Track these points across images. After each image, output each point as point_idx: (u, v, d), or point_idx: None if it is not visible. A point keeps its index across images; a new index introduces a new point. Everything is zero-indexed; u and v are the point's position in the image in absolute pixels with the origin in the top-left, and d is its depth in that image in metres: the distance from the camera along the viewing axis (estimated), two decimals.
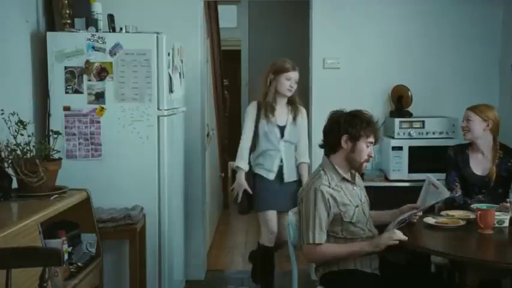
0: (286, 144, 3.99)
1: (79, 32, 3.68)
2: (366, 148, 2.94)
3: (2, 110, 3.09)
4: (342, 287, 2.92)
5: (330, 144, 2.99)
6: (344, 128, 2.93)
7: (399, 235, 2.80)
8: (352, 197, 2.97)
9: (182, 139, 4.29)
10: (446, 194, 2.91)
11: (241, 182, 3.97)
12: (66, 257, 3.05)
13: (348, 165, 2.99)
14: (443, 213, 3.22)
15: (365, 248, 2.88)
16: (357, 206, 2.96)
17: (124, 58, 3.64)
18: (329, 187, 2.91)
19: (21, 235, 2.52)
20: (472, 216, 3.13)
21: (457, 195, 3.53)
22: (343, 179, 2.97)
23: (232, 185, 4.09)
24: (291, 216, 3.16)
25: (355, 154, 2.94)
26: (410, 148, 4.23)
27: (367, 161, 2.98)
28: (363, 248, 2.89)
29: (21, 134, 3.12)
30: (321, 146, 3.06)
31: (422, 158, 4.22)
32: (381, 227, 3.06)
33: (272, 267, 4.14)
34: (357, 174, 3.11)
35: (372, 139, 2.95)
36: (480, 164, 3.57)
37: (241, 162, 3.98)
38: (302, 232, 2.93)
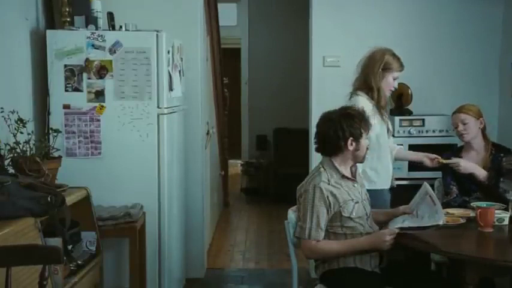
0: None
1: (79, 30, 3.66)
2: (366, 141, 3.00)
3: (2, 108, 3.08)
4: (341, 284, 2.91)
5: (333, 148, 2.99)
6: (348, 132, 2.93)
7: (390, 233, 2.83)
8: (353, 194, 2.97)
9: (182, 137, 4.28)
10: (440, 220, 2.84)
11: None
12: None
13: (351, 162, 3.01)
14: (443, 211, 3.20)
15: (365, 246, 2.89)
16: (357, 202, 2.96)
17: (124, 56, 3.63)
18: (328, 184, 2.92)
19: (21, 233, 2.51)
20: (472, 214, 3.12)
21: (452, 198, 3.53)
22: (343, 176, 2.98)
23: None
24: (291, 214, 3.14)
25: (360, 151, 2.98)
26: (410, 146, 4.21)
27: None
28: (363, 246, 2.89)
29: (21, 132, 3.12)
30: (319, 151, 3.05)
31: None
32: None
33: None
34: (358, 172, 3.11)
35: (367, 131, 3.02)
36: (473, 161, 3.56)
37: None
38: (300, 227, 2.94)
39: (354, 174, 3.05)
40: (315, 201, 2.89)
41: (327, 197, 2.89)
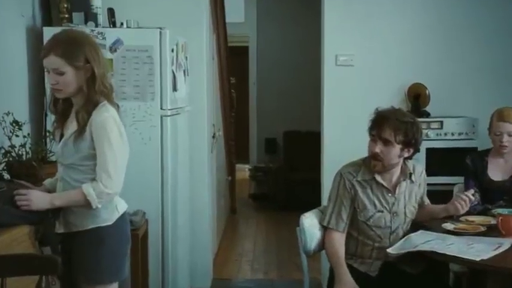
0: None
1: (77, 27, 3.60)
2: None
3: None
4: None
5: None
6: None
7: None
8: (379, 201, 2.92)
9: (187, 140, 4.22)
10: (479, 258, 2.60)
11: None
12: None
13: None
14: (462, 218, 3.11)
15: (338, 275, 2.86)
16: (381, 211, 2.91)
17: (125, 55, 3.59)
18: (353, 178, 2.91)
19: (16, 242, 2.47)
20: (493, 221, 3.02)
21: (474, 204, 3.38)
22: (374, 179, 2.92)
23: None
24: (303, 220, 3.05)
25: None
26: (428, 150, 4.13)
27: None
28: (339, 274, 2.87)
29: (17, 135, 3.10)
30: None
31: (441, 160, 4.14)
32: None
33: None
34: (406, 187, 2.99)
35: None
36: (500, 169, 3.45)
37: None
38: (324, 213, 2.99)
39: (394, 186, 2.95)
40: (339, 189, 2.94)
41: (350, 189, 2.90)
